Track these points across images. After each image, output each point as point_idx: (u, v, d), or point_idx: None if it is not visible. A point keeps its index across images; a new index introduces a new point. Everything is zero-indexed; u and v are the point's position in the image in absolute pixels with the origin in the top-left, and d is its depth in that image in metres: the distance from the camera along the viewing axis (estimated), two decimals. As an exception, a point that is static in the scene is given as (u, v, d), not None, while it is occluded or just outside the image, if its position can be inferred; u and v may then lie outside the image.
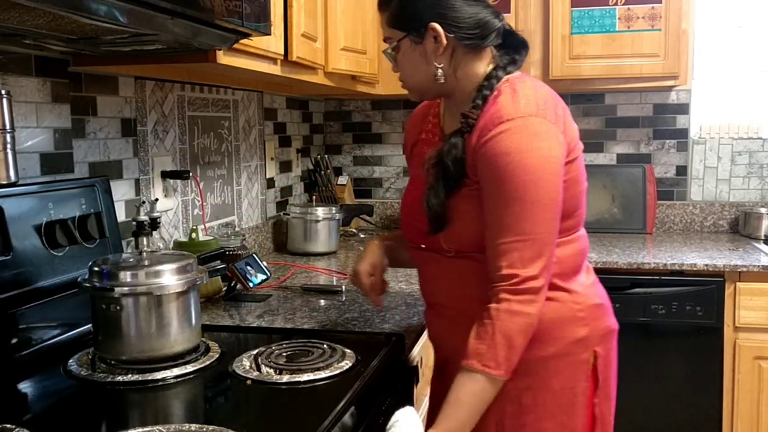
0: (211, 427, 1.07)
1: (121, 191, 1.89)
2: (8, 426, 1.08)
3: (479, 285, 1.34)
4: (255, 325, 1.74)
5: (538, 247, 1.29)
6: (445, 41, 1.37)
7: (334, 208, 2.76)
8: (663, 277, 2.53)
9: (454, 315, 1.44)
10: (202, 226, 2.20)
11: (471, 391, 1.29)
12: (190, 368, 1.36)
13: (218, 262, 1.64)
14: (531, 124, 1.31)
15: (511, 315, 1.28)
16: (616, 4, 2.74)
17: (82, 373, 1.34)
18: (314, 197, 3.05)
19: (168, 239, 2.08)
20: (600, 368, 1.43)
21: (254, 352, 1.41)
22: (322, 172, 3.15)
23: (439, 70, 1.39)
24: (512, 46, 1.43)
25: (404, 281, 2.21)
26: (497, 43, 1.41)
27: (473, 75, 1.40)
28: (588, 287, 1.45)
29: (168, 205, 2.11)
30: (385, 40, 1.47)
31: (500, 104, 1.34)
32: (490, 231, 1.32)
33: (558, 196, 1.31)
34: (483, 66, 1.40)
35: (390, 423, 1.29)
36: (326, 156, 3.26)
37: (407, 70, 1.45)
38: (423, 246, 1.47)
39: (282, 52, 1.87)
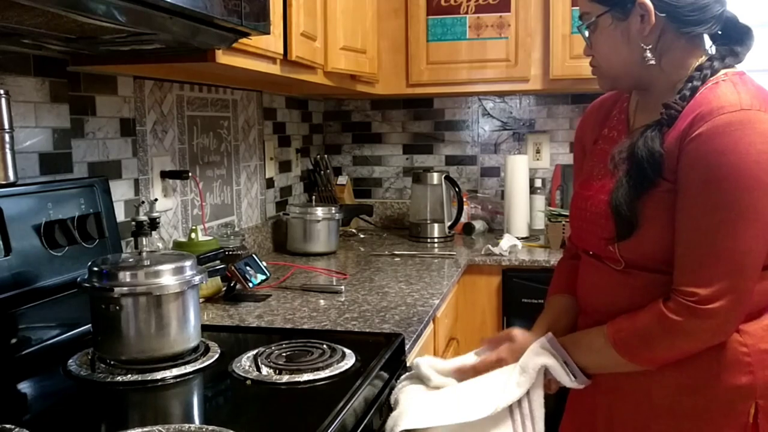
0: (210, 427, 1.07)
1: (121, 191, 1.89)
2: (8, 426, 1.08)
3: (641, 302, 1.22)
4: (255, 325, 1.74)
5: (731, 266, 1.13)
6: (653, 21, 1.20)
7: (333, 208, 2.75)
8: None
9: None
10: (202, 226, 2.20)
11: (593, 336, 1.26)
12: (189, 368, 1.35)
13: (218, 262, 1.63)
14: (757, 120, 1.12)
15: (676, 331, 1.17)
16: (616, 3, 2.73)
17: (82, 373, 1.34)
18: (314, 197, 3.05)
19: (167, 239, 2.08)
20: (762, 423, 1.21)
21: (254, 352, 1.40)
22: (322, 172, 3.15)
23: (648, 52, 1.22)
24: (733, 37, 1.25)
25: (404, 281, 2.21)
26: (715, 31, 1.24)
27: (682, 64, 1.24)
28: (762, 329, 1.23)
29: (167, 205, 2.11)
30: (581, 17, 1.31)
31: (717, 94, 1.17)
32: (681, 235, 1.16)
33: None
34: (695, 55, 1.24)
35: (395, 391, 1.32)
36: (326, 156, 3.26)
37: (603, 51, 1.28)
38: (591, 253, 1.35)
39: (281, 51, 1.86)
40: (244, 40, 1.57)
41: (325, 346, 1.43)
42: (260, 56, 1.78)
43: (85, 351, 1.43)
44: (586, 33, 1.30)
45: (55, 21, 1.17)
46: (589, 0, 1.27)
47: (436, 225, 3.07)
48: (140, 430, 1.07)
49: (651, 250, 1.22)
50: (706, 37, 1.26)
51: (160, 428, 1.07)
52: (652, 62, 1.23)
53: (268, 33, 1.57)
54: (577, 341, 1.31)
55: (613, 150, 1.27)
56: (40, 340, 1.46)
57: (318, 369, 1.32)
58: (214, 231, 2.33)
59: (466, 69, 2.90)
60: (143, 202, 1.80)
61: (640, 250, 1.23)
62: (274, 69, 1.89)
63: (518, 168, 2.99)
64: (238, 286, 1.97)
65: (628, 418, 1.30)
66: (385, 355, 1.44)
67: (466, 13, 2.88)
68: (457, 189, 3.04)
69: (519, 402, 1.24)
